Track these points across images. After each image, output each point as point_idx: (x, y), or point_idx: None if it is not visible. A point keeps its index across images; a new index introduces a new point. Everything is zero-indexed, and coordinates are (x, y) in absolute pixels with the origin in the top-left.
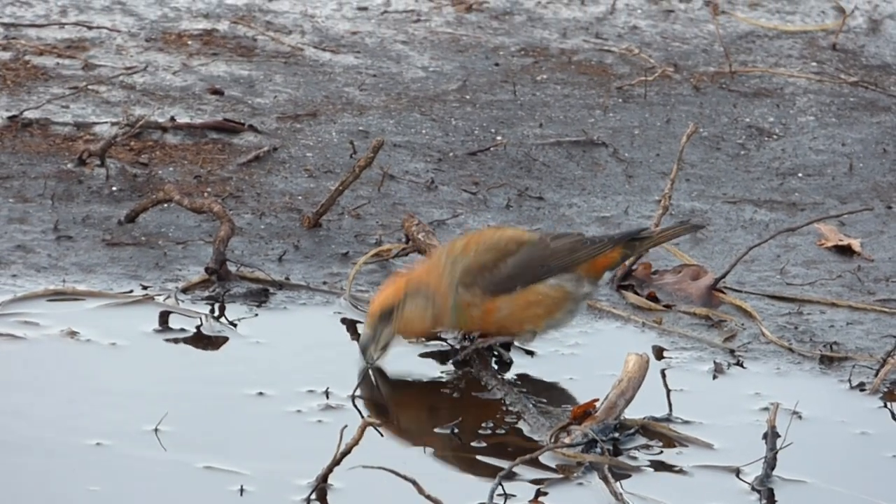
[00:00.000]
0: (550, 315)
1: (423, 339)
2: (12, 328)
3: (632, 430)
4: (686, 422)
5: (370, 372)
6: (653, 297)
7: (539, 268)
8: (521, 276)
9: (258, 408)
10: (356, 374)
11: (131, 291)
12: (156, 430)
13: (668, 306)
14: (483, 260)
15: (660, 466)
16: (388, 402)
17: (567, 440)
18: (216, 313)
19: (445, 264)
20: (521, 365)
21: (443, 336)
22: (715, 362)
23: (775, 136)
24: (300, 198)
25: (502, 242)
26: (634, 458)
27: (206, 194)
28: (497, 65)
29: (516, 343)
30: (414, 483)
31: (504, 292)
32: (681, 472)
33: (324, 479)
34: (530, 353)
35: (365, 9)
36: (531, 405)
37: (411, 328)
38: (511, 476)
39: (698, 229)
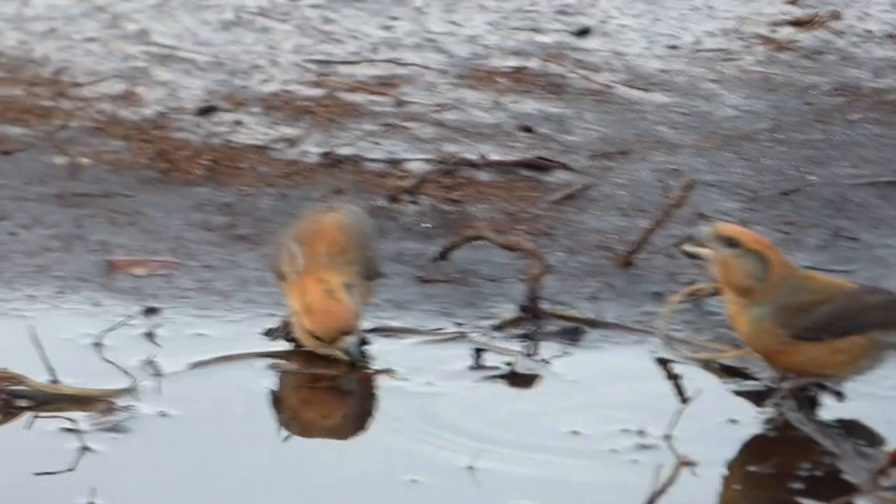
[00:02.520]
0: (856, 363)
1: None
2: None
3: None
4: None
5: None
6: None
7: (851, 321)
8: (832, 327)
9: (572, 446)
10: (671, 413)
11: (444, 329)
12: (470, 467)
13: None
14: (802, 301)
15: None
16: (702, 441)
17: (885, 483)
18: (530, 351)
19: (793, 278)
20: (836, 406)
21: (757, 375)
22: None
23: None
24: (612, 236)
25: (826, 288)
26: None
27: (518, 232)
28: (809, 104)
29: (827, 384)
30: None
31: (811, 340)
32: None
33: None
34: (839, 394)
35: (676, 47)
36: (848, 447)
37: (731, 275)
38: None
39: None
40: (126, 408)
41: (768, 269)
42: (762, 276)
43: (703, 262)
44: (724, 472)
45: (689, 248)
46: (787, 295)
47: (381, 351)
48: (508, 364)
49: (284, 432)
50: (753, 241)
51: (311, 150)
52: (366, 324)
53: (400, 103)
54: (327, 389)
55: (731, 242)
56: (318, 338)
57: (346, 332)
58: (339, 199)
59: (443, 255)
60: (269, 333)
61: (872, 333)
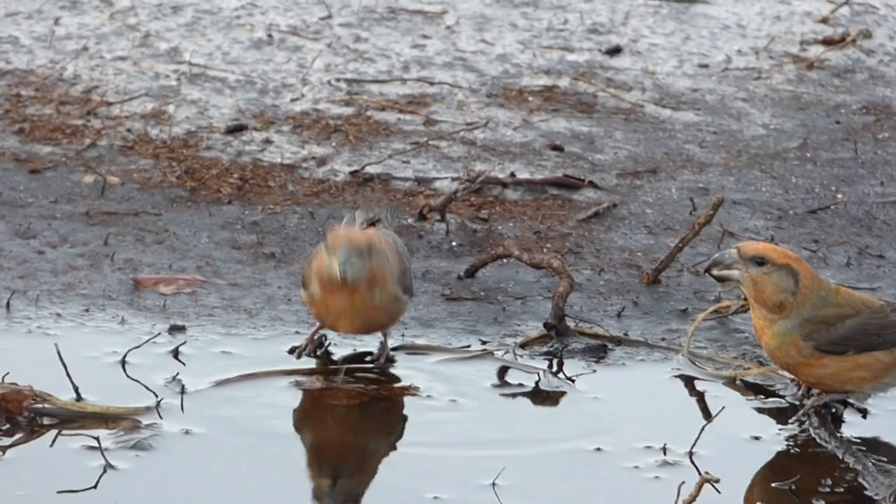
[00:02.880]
0: (877, 379)
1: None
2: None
3: None
4: None
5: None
6: None
7: (874, 337)
8: (856, 342)
9: (596, 463)
10: (694, 430)
11: (469, 346)
12: (493, 484)
13: None
14: (827, 314)
15: None
16: (726, 457)
17: None
18: (554, 368)
19: (821, 293)
20: (858, 423)
21: (780, 393)
22: None
23: None
24: (639, 254)
25: (851, 303)
26: None
27: (545, 250)
28: (838, 122)
29: (850, 401)
30: None
31: (834, 353)
32: None
33: None
34: (863, 411)
35: (706, 66)
36: (870, 463)
37: (764, 292)
38: None
39: None
40: (150, 426)
41: (799, 281)
42: (794, 289)
43: (732, 285)
44: (747, 488)
45: (717, 272)
46: (815, 308)
47: (405, 367)
48: (534, 382)
49: (308, 449)
50: (782, 256)
51: (340, 168)
52: (392, 342)
53: (430, 122)
54: (350, 407)
55: (759, 261)
56: (328, 245)
57: (351, 245)
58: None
59: (470, 273)
60: (294, 351)
61: (894, 349)
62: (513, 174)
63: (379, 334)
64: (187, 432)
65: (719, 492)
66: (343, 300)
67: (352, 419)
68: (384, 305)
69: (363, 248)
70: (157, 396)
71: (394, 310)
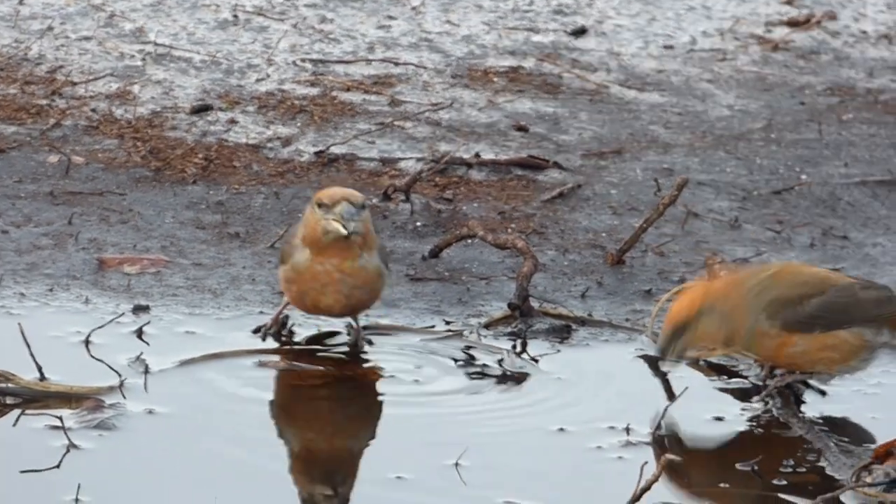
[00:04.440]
0: (845, 361)
1: (717, 351)
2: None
3: None
4: None
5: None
6: None
7: (842, 314)
8: (823, 319)
9: (559, 444)
10: (657, 411)
11: (434, 326)
12: (456, 464)
13: None
14: (791, 294)
15: None
16: (689, 438)
17: (869, 479)
18: (518, 349)
19: (752, 287)
20: (821, 403)
21: (743, 373)
22: None
23: None
24: (604, 235)
25: (813, 280)
26: None
27: (509, 230)
28: (803, 104)
29: (812, 382)
30: None
31: (802, 331)
32: None
33: None
34: (822, 392)
35: (671, 47)
36: (832, 444)
37: (703, 343)
38: None
39: None
40: (113, 405)
41: (720, 313)
42: (726, 318)
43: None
44: (710, 468)
45: (670, 363)
46: (759, 297)
47: (370, 347)
48: (498, 362)
49: (272, 429)
50: (685, 310)
51: (305, 148)
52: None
53: (395, 102)
54: (315, 387)
55: (677, 332)
56: (321, 204)
57: (349, 200)
58: None
59: (434, 254)
60: (259, 331)
61: (861, 330)
62: (478, 155)
63: (350, 319)
64: (151, 412)
65: (682, 472)
66: (333, 266)
67: (317, 398)
68: (369, 277)
69: (361, 201)
70: (120, 376)
71: (376, 285)
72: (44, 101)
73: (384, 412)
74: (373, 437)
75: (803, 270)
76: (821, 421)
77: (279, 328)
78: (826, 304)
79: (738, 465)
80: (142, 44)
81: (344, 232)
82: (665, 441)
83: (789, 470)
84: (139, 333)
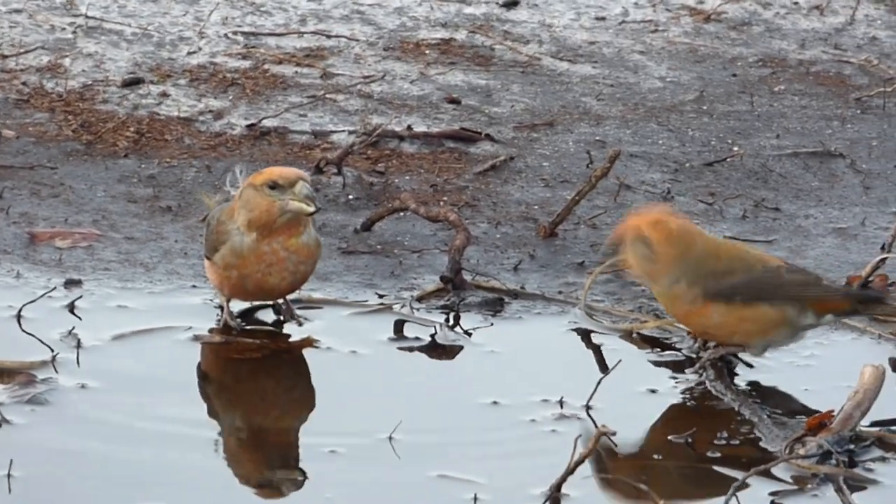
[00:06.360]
0: (764, 334)
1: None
2: (253, 336)
3: (867, 442)
4: None
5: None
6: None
7: (764, 291)
8: (745, 293)
9: (492, 416)
10: (591, 384)
11: (367, 300)
12: (390, 438)
13: None
14: (717, 268)
15: None
16: (623, 411)
17: (802, 451)
18: (451, 322)
19: (692, 251)
20: (754, 375)
21: (676, 346)
22: None
23: None
24: (536, 207)
25: (747, 258)
26: (870, 470)
27: (442, 203)
28: (735, 75)
29: (742, 356)
30: (648, 493)
31: (721, 300)
32: None
33: (557, 488)
34: (750, 365)
35: (603, 19)
36: (766, 416)
37: (631, 263)
38: (745, 487)
39: None
40: (45, 380)
41: (651, 246)
42: (651, 256)
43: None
44: (643, 441)
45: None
46: (690, 267)
47: (305, 321)
48: (430, 335)
49: (208, 402)
50: (623, 229)
51: (237, 122)
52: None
53: (327, 75)
54: (249, 360)
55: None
56: (274, 186)
57: (303, 179)
58: None
59: (366, 227)
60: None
61: (784, 307)
62: (410, 127)
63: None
64: (83, 386)
65: (616, 445)
66: (280, 244)
67: (251, 372)
68: (311, 251)
69: (309, 178)
70: (52, 351)
71: (316, 258)
72: None
73: (318, 385)
74: (307, 409)
75: (741, 248)
76: (754, 393)
77: (233, 315)
78: (751, 280)
79: (671, 438)
80: (73, 16)
81: (310, 209)
82: (598, 414)
83: (723, 442)
84: (71, 308)
